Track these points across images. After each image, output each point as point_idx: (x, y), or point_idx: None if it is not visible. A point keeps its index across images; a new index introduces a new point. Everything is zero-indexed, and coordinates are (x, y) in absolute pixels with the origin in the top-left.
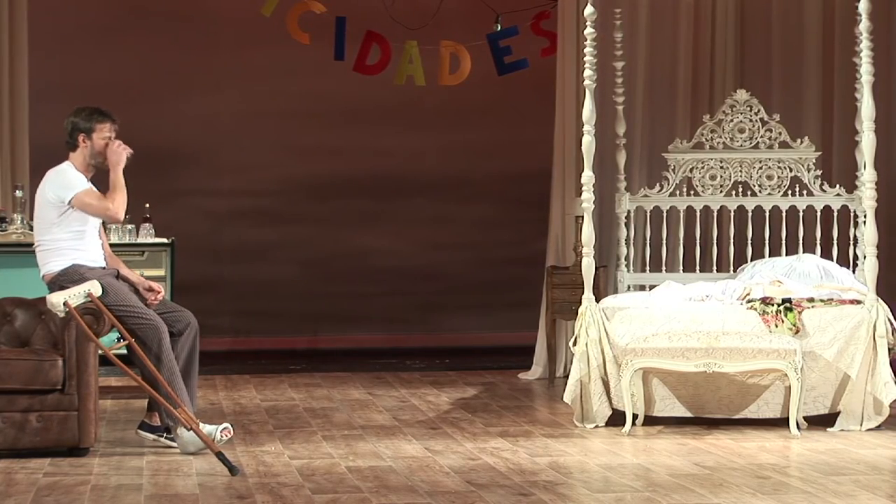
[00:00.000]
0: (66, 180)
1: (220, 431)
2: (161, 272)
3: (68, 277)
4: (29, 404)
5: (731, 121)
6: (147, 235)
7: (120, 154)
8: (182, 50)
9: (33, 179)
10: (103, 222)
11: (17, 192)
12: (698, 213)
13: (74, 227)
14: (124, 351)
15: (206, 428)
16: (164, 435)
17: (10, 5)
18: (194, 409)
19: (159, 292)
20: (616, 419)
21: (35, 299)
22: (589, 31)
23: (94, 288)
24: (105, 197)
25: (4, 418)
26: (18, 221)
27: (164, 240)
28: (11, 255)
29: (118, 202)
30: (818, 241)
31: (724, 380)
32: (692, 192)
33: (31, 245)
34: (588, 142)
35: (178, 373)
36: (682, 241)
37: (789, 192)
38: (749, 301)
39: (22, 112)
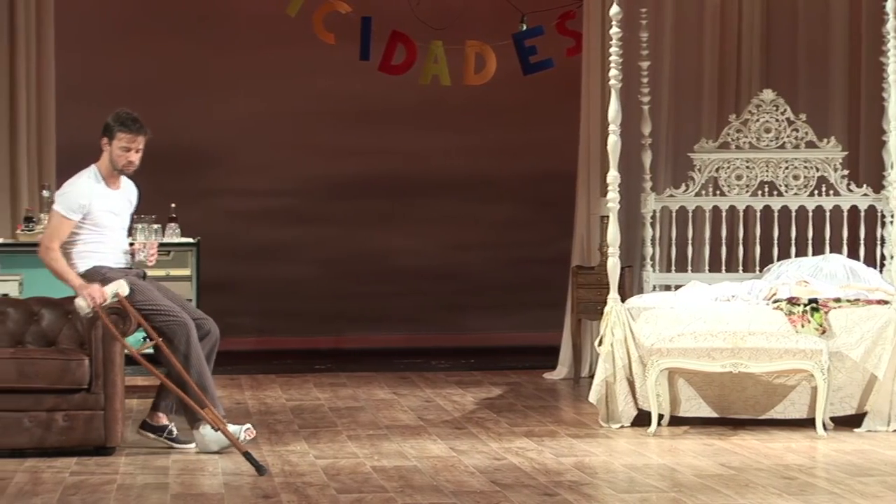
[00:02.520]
0: (67, 188)
1: (244, 431)
2: (187, 272)
3: (90, 279)
4: (55, 404)
5: (758, 120)
6: (173, 235)
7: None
8: (207, 50)
9: (59, 179)
10: (130, 225)
11: (44, 192)
12: (724, 213)
13: (96, 229)
14: (151, 351)
15: (229, 428)
16: (164, 435)
17: (38, 6)
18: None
19: (153, 246)
20: (641, 419)
21: (61, 299)
22: (614, 30)
23: (122, 288)
24: (55, 248)
25: (31, 417)
26: (45, 221)
27: (190, 239)
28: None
29: (50, 257)
30: (845, 241)
31: (750, 380)
32: (718, 192)
33: None
34: (613, 141)
35: (207, 371)
36: (707, 241)
37: (816, 191)
38: (775, 301)
39: (49, 113)
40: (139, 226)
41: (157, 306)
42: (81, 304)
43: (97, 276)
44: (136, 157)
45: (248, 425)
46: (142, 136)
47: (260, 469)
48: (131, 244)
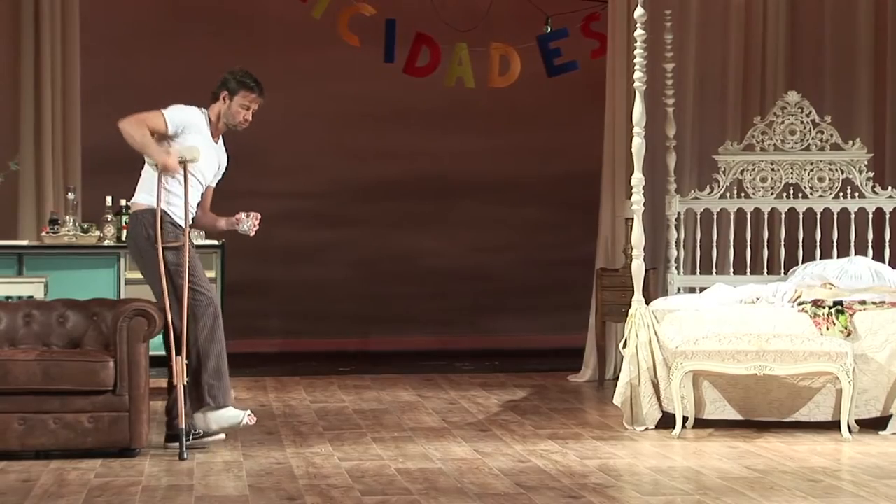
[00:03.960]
0: (178, 105)
1: (246, 416)
2: (212, 274)
3: (149, 220)
4: (81, 405)
5: (782, 122)
6: (198, 237)
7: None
8: (233, 52)
9: (85, 181)
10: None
11: (70, 194)
12: (749, 216)
13: (176, 176)
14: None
15: (230, 411)
16: (192, 438)
17: (63, 9)
18: None
19: (257, 215)
20: (666, 422)
21: (87, 301)
22: (639, 32)
23: (192, 154)
24: (144, 125)
25: (56, 419)
26: (70, 223)
27: (215, 241)
28: (64, 256)
29: (132, 126)
30: (870, 244)
31: (775, 382)
32: (743, 194)
33: (82, 247)
34: (638, 144)
35: (226, 359)
36: (732, 244)
37: (841, 194)
38: (800, 303)
39: (74, 115)
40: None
41: (197, 279)
42: (151, 165)
43: (155, 219)
44: (250, 117)
45: (249, 411)
46: (262, 98)
47: (181, 454)
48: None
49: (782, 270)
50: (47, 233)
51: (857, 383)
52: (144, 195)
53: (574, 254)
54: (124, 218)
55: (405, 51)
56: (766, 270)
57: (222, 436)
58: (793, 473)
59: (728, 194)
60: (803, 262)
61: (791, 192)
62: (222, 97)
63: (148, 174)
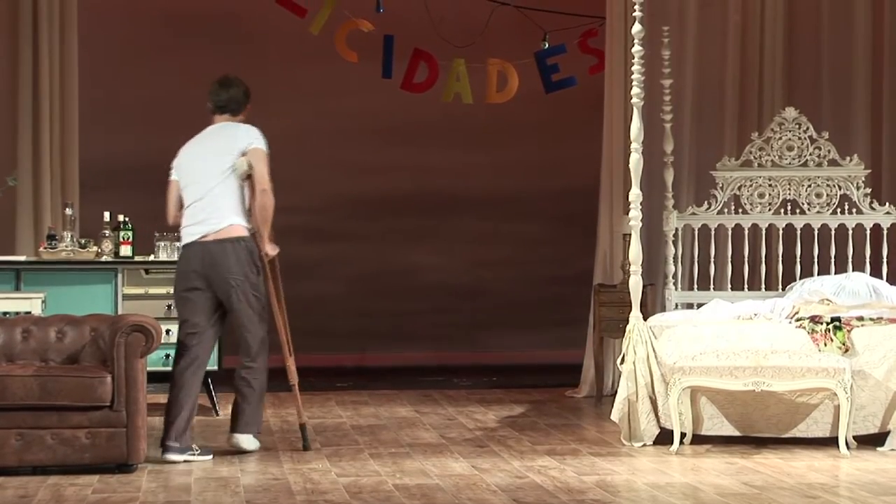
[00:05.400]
0: (260, 133)
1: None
2: None
3: (254, 247)
4: (78, 421)
5: (780, 138)
6: None
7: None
8: (230, 68)
9: (83, 197)
10: None
11: (67, 210)
12: (746, 231)
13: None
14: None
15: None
16: (189, 453)
17: (61, 23)
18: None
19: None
20: (664, 438)
21: (84, 316)
22: (637, 48)
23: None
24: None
25: (54, 435)
26: (68, 239)
27: None
28: (61, 272)
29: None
30: (867, 260)
31: (773, 398)
32: (740, 210)
33: (80, 263)
34: (636, 159)
35: (265, 385)
36: (730, 260)
37: (838, 209)
38: (798, 319)
39: (72, 130)
40: (162, 243)
41: (266, 306)
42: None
43: (256, 247)
44: None
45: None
46: None
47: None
48: None
49: (780, 286)
50: (45, 248)
51: (855, 399)
52: (239, 218)
53: (572, 269)
54: (122, 233)
55: (403, 66)
56: (763, 286)
57: (210, 456)
58: (790, 489)
59: (726, 210)
60: (801, 278)
61: (789, 207)
62: (248, 108)
63: (237, 193)
